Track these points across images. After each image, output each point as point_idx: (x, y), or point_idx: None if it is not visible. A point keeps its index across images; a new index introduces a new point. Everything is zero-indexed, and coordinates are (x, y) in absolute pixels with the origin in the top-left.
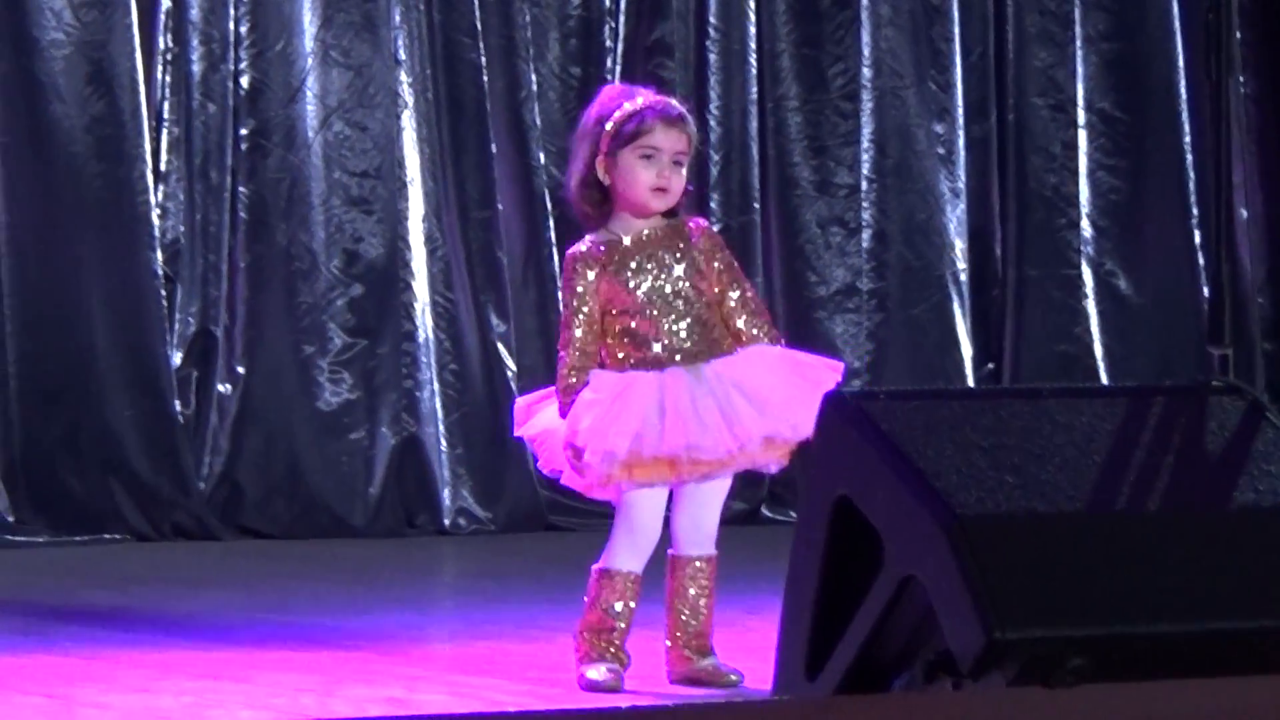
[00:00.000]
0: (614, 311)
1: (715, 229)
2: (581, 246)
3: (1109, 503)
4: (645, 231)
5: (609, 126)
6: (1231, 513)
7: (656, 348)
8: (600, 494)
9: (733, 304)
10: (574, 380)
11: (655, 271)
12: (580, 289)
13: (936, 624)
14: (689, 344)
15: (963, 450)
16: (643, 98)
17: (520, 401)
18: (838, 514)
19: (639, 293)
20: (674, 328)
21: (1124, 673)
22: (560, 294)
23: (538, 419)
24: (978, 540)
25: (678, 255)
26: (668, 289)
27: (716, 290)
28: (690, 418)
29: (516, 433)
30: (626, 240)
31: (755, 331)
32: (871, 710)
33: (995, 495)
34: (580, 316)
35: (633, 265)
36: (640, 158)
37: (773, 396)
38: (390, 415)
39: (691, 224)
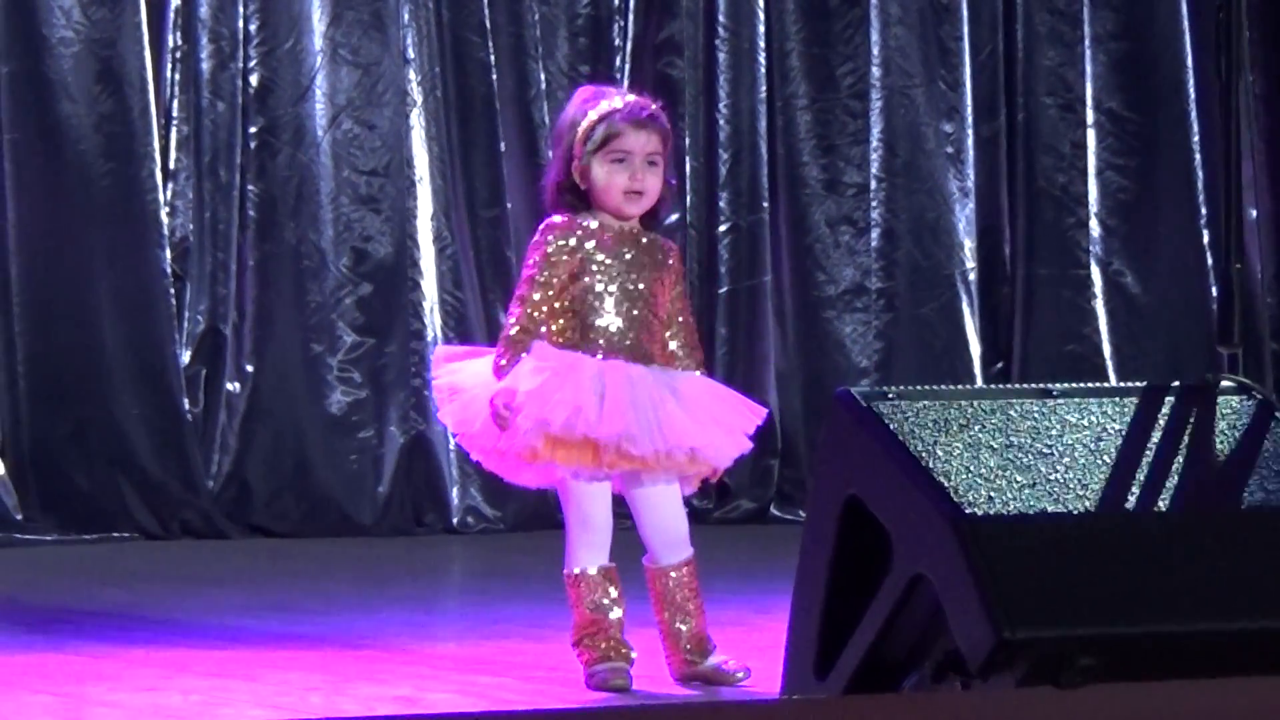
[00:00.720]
0: (571, 289)
1: (713, 237)
2: (559, 219)
3: (1118, 502)
4: (624, 231)
5: (579, 131)
6: (1241, 512)
7: (599, 336)
8: (511, 464)
9: (681, 324)
10: (520, 341)
11: (622, 267)
12: (551, 255)
13: (946, 624)
14: (629, 343)
15: (972, 449)
16: (611, 100)
17: (440, 349)
18: (847, 513)
19: (602, 279)
20: (622, 324)
21: (1134, 673)
22: (527, 254)
23: (457, 372)
24: (987, 540)
25: (646, 261)
26: (629, 287)
27: (670, 308)
28: (628, 408)
29: (434, 376)
30: (611, 233)
31: (689, 360)
32: (880, 710)
33: (1004, 494)
34: (541, 280)
35: (604, 253)
36: (612, 162)
37: (703, 416)
38: (399, 414)
39: (666, 245)
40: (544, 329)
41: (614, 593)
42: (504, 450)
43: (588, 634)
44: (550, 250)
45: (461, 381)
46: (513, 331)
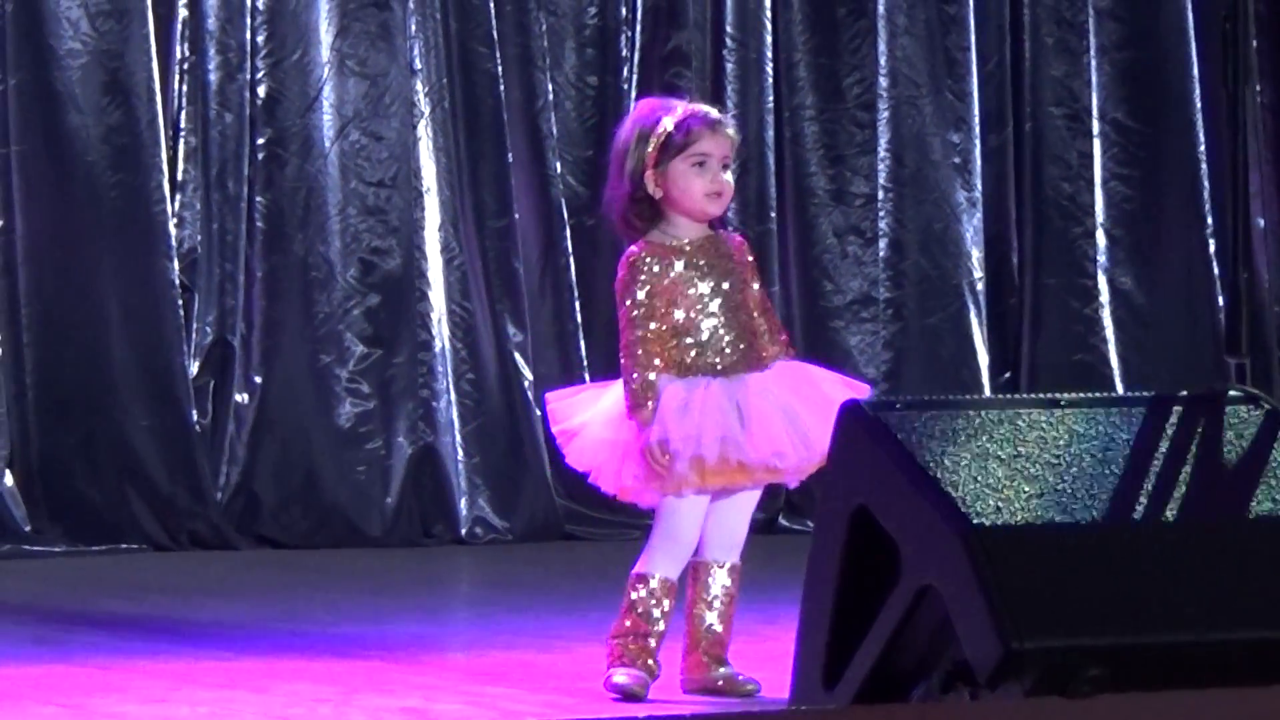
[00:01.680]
0: (667, 312)
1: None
2: (641, 248)
3: (1126, 512)
4: (697, 240)
5: (654, 139)
6: (1249, 522)
7: (711, 353)
8: (643, 499)
9: (765, 316)
10: (646, 384)
11: (711, 277)
12: (647, 286)
13: (954, 634)
14: (733, 352)
15: (980, 459)
16: (681, 107)
17: (553, 396)
18: (855, 523)
19: (697, 295)
20: (731, 334)
21: (1141, 682)
22: (620, 294)
23: (573, 415)
24: (995, 550)
25: (725, 265)
26: (724, 294)
27: (751, 302)
28: (774, 424)
29: (555, 428)
30: (683, 242)
31: (778, 348)
32: None
33: (1012, 505)
34: (642, 314)
35: (693, 268)
36: (692, 166)
37: (821, 411)
38: (407, 425)
39: (733, 240)
40: (658, 361)
41: (666, 609)
42: (642, 491)
43: (626, 637)
44: (647, 284)
45: (581, 423)
46: (635, 377)
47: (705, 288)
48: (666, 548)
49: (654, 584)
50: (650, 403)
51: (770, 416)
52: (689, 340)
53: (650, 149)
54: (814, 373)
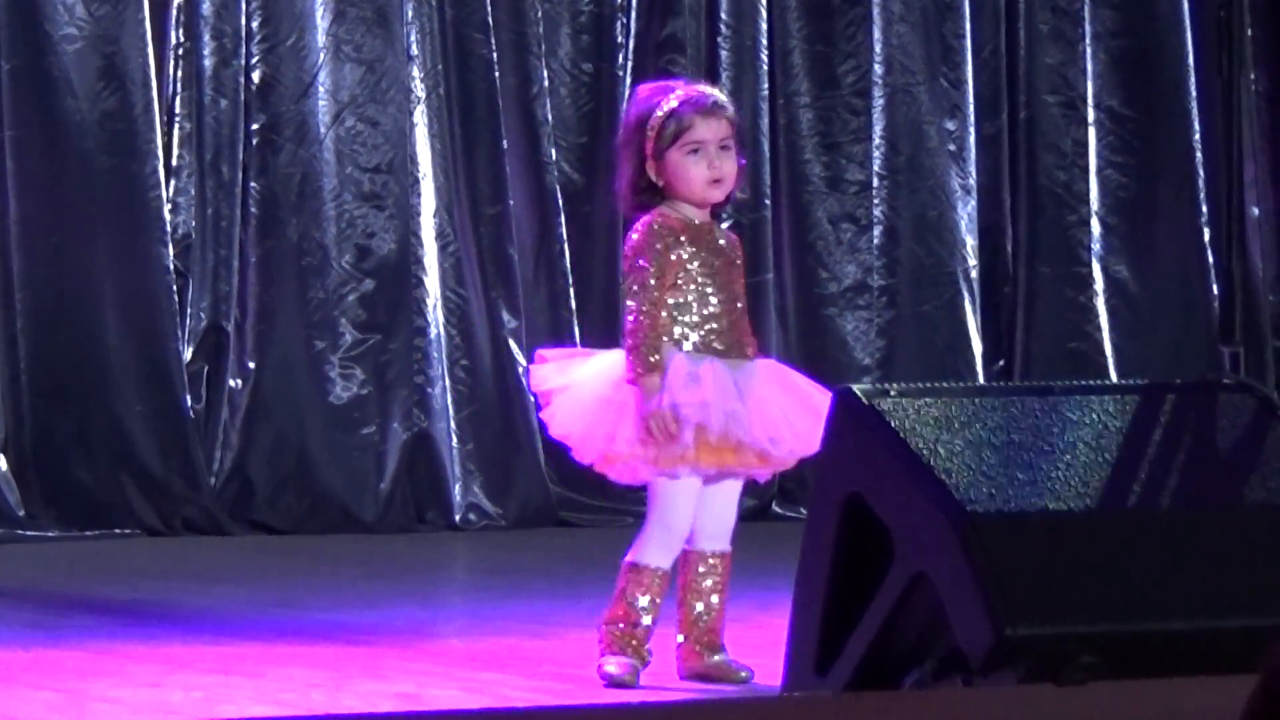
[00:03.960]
0: (672, 285)
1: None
2: (656, 217)
3: (1120, 500)
4: (701, 223)
5: (650, 130)
6: (1242, 510)
7: (700, 332)
8: (625, 473)
9: (742, 311)
10: (653, 347)
11: (710, 259)
12: (661, 254)
13: (947, 621)
14: (725, 337)
15: (973, 447)
16: (676, 93)
17: (545, 353)
18: (848, 511)
19: (698, 273)
20: (726, 320)
21: (1135, 670)
22: (632, 258)
23: (561, 376)
24: (988, 537)
25: (725, 251)
26: (719, 280)
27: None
28: (770, 410)
29: (535, 387)
30: (693, 222)
31: (752, 342)
32: (882, 708)
33: (1006, 492)
34: (656, 281)
35: (696, 246)
36: (687, 154)
37: (802, 408)
38: (401, 411)
39: (731, 237)
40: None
41: (657, 601)
42: (644, 460)
43: (617, 624)
44: (658, 249)
45: (565, 384)
46: (643, 339)
47: (708, 269)
48: (660, 536)
49: (646, 573)
50: (658, 369)
51: (766, 401)
52: (689, 318)
53: (648, 137)
54: (792, 373)
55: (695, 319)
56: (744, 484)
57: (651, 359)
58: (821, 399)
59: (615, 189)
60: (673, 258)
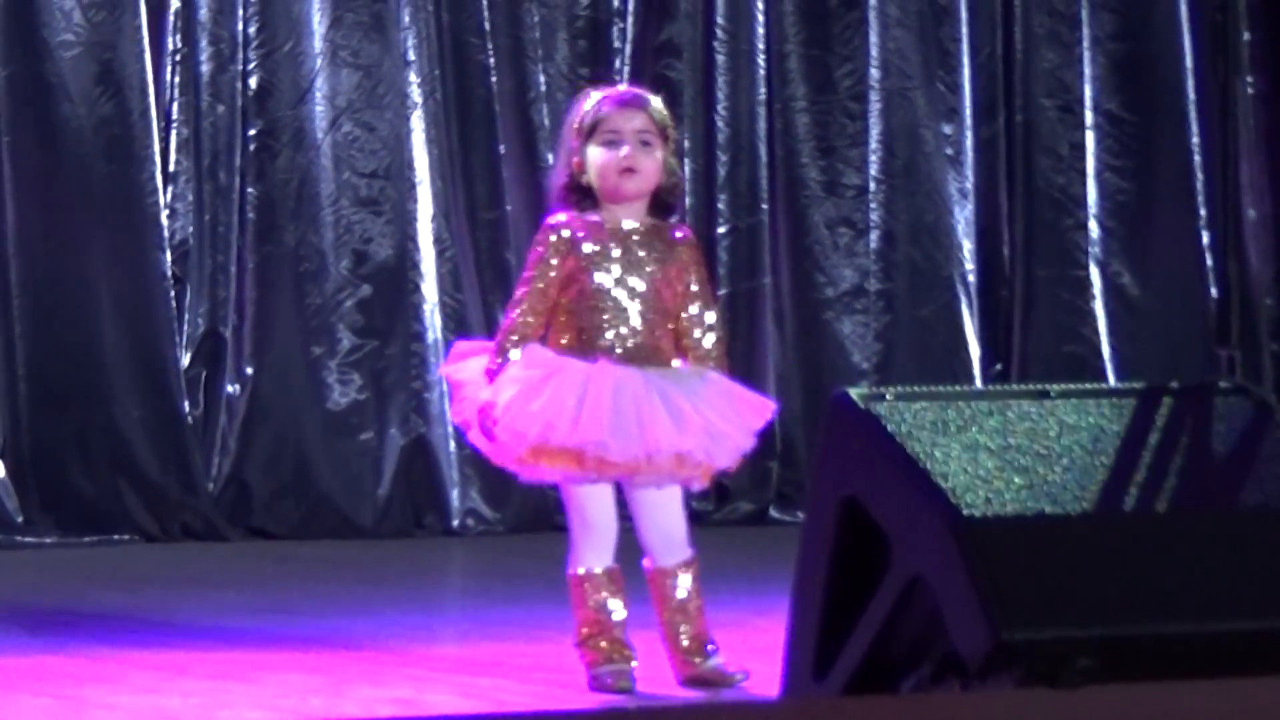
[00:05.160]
0: (571, 290)
1: (712, 238)
2: (562, 217)
3: (1116, 503)
4: (628, 226)
5: (574, 127)
6: (1239, 513)
7: (599, 338)
8: (508, 466)
9: (690, 318)
10: (511, 344)
11: (625, 265)
12: (548, 258)
13: (944, 625)
14: (631, 344)
15: (970, 451)
16: (600, 91)
17: (460, 345)
18: (845, 514)
19: (601, 280)
20: (623, 325)
21: (1132, 674)
22: (527, 254)
23: (468, 366)
24: (985, 541)
25: (653, 256)
26: (630, 286)
27: (680, 302)
28: (606, 415)
29: (441, 370)
30: (616, 227)
31: (700, 352)
32: (879, 711)
33: (1003, 496)
34: (539, 284)
35: (606, 252)
36: (603, 145)
37: (696, 417)
38: (399, 416)
39: (678, 232)
40: (548, 332)
41: (617, 594)
42: (496, 457)
43: (590, 635)
44: (545, 250)
45: (465, 379)
46: (506, 341)
47: (623, 273)
48: (586, 539)
49: (593, 576)
50: (500, 364)
51: (607, 407)
52: (592, 319)
53: (573, 134)
54: (719, 384)
55: (593, 321)
56: (684, 490)
57: (500, 357)
58: (737, 411)
59: (549, 192)
60: (559, 259)
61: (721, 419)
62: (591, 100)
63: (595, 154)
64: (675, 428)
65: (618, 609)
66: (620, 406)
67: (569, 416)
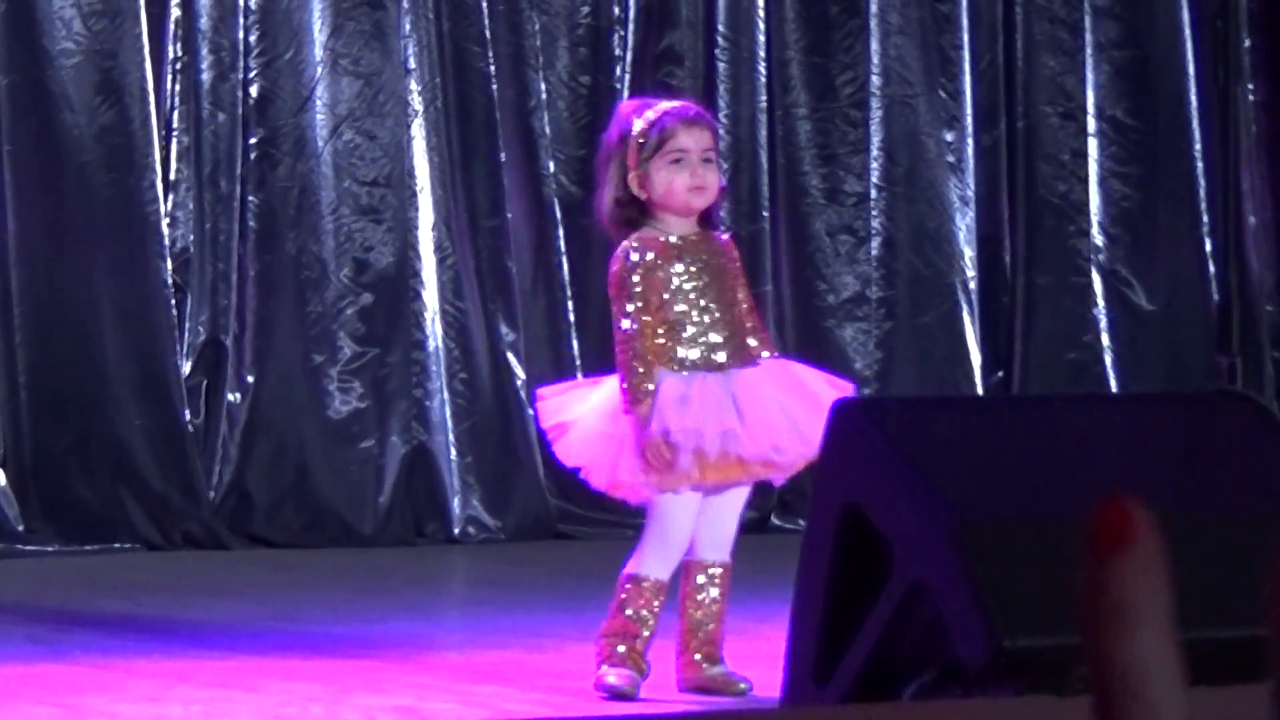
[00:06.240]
0: (661, 306)
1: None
2: (633, 243)
3: None
4: (688, 236)
5: (633, 141)
6: (1240, 521)
7: (699, 347)
8: (636, 495)
9: (746, 311)
10: (642, 375)
11: (705, 275)
12: (641, 280)
13: (945, 632)
14: (725, 348)
15: (971, 458)
16: (656, 106)
17: (544, 392)
18: (846, 521)
19: (690, 289)
20: (717, 330)
21: None
22: (614, 288)
23: (564, 410)
24: (986, 548)
25: (719, 263)
26: (711, 291)
27: (740, 299)
28: (771, 419)
29: (544, 424)
30: (674, 238)
31: (758, 344)
32: (880, 718)
33: (1004, 503)
34: (637, 308)
35: (683, 265)
36: (670, 163)
37: (811, 408)
38: (400, 424)
39: (722, 240)
40: (652, 355)
41: (656, 610)
42: (649, 484)
43: (616, 636)
44: (637, 276)
45: (572, 418)
46: (631, 372)
47: (698, 283)
48: (659, 549)
49: (645, 585)
50: (649, 397)
51: (767, 410)
52: (684, 335)
53: (630, 150)
54: (801, 370)
55: (690, 335)
56: (750, 492)
57: (641, 389)
58: (830, 393)
59: (597, 207)
60: (654, 279)
61: (822, 403)
62: (650, 114)
63: (663, 172)
64: (814, 420)
65: (650, 623)
66: (770, 408)
67: (738, 426)
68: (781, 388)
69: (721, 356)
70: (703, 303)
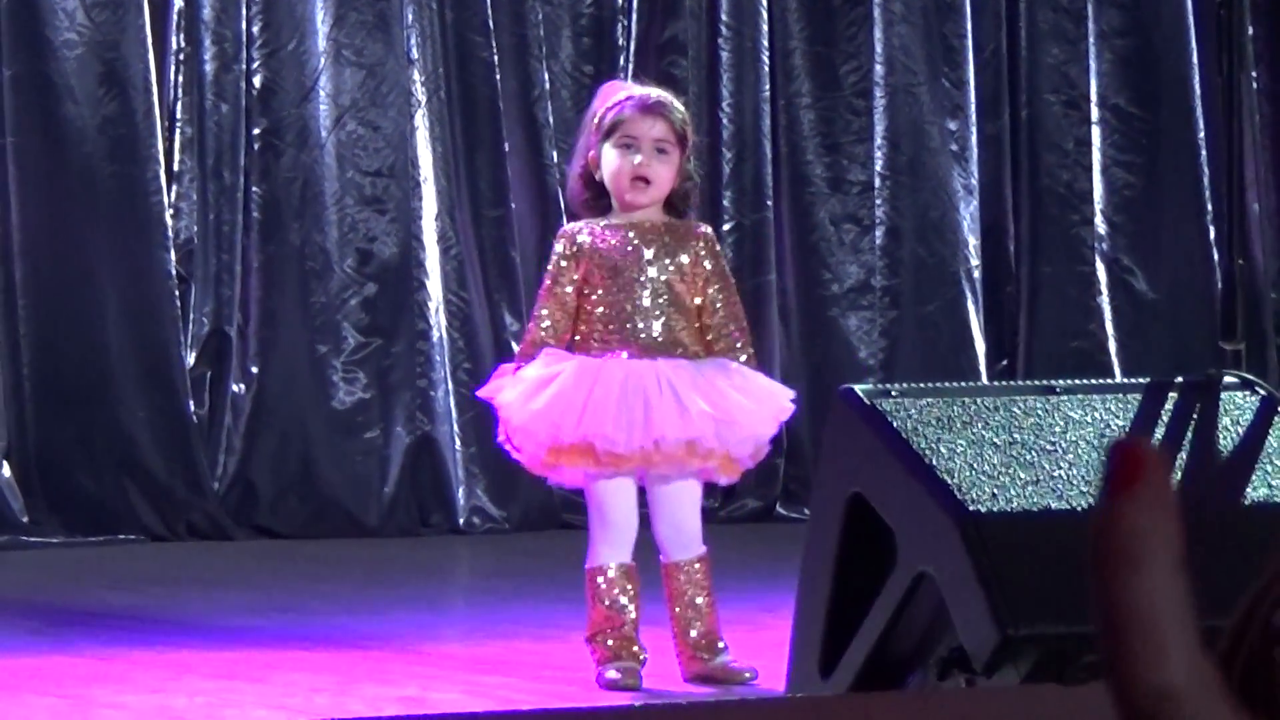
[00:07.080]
0: (590, 293)
1: (717, 235)
2: (578, 224)
3: None
4: (649, 222)
5: (593, 122)
6: (1244, 509)
7: (619, 335)
8: (540, 473)
9: (711, 310)
10: (526, 354)
11: (639, 262)
12: (564, 265)
13: (950, 621)
14: (648, 339)
15: (976, 446)
16: (624, 89)
17: (503, 368)
18: (851, 511)
19: (617, 279)
20: (640, 320)
21: None
22: (548, 264)
23: (503, 385)
24: (991, 537)
25: (668, 251)
26: (645, 282)
27: (699, 295)
28: (611, 407)
29: (480, 393)
30: (624, 229)
31: (723, 344)
32: (885, 708)
33: (1008, 491)
34: (556, 291)
35: (621, 252)
36: (619, 148)
37: (704, 404)
38: (404, 414)
39: (696, 230)
40: (571, 336)
41: (631, 592)
42: (527, 463)
43: (601, 631)
44: (558, 259)
45: (503, 400)
46: (524, 347)
47: (639, 270)
48: (605, 535)
49: (611, 573)
50: (520, 383)
51: (612, 399)
52: (612, 318)
53: (592, 129)
54: (739, 374)
55: (612, 319)
56: (705, 487)
57: (522, 361)
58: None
59: (568, 186)
60: (571, 264)
61: (734, 406)
62: (616, 97)
63: (610, 156)
64: (680, 415)
65: (630, 608)
66: (627, 398)
67: (575, 412)
68: (676, 382)
69: (648, 343)
70: (643, 291)
